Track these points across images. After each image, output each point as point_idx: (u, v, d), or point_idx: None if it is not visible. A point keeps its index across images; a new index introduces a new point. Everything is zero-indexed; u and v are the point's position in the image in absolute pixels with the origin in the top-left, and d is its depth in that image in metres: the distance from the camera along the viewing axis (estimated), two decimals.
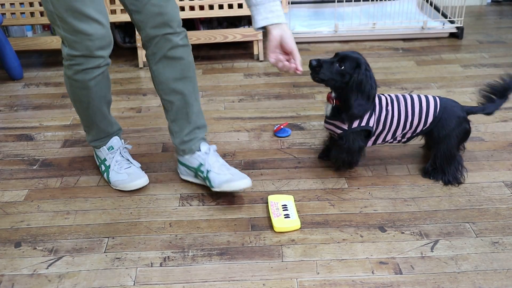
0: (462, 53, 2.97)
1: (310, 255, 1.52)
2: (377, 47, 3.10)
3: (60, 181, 1.90)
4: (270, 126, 2.23)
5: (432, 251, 1.52)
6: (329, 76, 1.69)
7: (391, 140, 1.82)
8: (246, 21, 3.10)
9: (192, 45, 2.98)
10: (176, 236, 1.61)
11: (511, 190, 1.77)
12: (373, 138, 1.79)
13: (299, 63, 1.57)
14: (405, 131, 1.79)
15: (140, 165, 1.87)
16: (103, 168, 1.87)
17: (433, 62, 2.86)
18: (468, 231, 1.59)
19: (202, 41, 2.88)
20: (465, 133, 1.81)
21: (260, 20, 1.53)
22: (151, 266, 1.49)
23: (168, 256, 1.53)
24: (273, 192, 1.79)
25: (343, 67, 1.67)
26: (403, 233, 1.59)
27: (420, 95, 1.80)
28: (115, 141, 1.86)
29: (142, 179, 1.80)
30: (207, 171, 1.73)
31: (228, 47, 3.15)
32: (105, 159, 1.86)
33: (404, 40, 3.19)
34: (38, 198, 1.81)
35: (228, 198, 1.77)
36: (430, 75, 2.69)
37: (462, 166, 1.82)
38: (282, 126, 2.17)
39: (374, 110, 1.74)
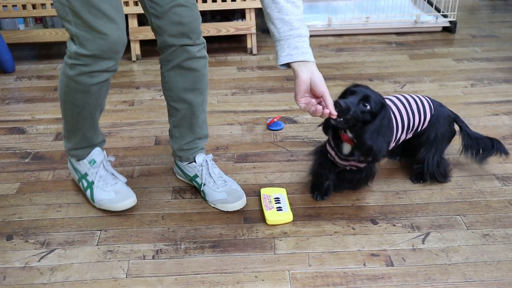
0: (455, 47, 2.98)
1: (302, 247, 1.52)
2: (370, 41, 3.10)
3: (52, 174, 1.90)
4: (263, 120, 2.23)
5: (423, 243, 1.53)
6: (355, 117, 1.49)
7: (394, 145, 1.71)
8: (239, 14, 3.10)
9: None
10: (168, 229, 1.61)
11: (502, 183, 1.78)
12: None
13: (332, 107, 1.41)
14: (409, 132, 1.71)
15: (126, 179, 1.72)
16: (85, 184, 1.70)
17: (426, 56, 2.87)
18: (459, 224, 1.60)
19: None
20: (453, 135, 1.78)
21: (283, 57, 1.37)
22: (144, 259, 1.50)
23: (160, 249, 1.53)
24: (265, 185, 1.80)
25: (368, 107, 1.50)
26: (394, 225, 1.60)
27: (411, 95, 1.75)
28: (96, 153, 1.69)
29: (130, 199, 1.66)
30: (203, 184, 1.72)
31: (222, 41, 3.14)
32: (86, 174, 1.69)
33: (397, 34, 3.19)
34: (30, 191, 1.80)
35: None
36: (423, 69, 2.69)
37: (449, 167, 1.80)
38: (275, 120, 2.17)
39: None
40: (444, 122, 1.73)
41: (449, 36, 3.15)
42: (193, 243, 1.55)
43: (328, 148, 1.67)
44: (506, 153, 1.79)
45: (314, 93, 1.41)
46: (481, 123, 2.16)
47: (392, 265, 1.45)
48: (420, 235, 1.56)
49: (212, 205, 1.69)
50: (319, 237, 1.56)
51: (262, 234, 1.58)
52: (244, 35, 3.01)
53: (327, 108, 1.41)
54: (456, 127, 1.79)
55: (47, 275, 1.45)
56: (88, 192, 1.69)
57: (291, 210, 1.65)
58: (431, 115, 1.72)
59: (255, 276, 1.42)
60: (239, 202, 1.66)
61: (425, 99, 1.74)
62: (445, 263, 1.45)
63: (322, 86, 1.39)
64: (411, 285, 1.38)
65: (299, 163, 1.92)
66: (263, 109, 2.32)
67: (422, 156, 1.75)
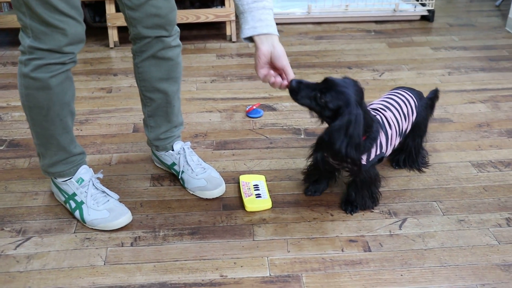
0: (433, 36, 3.00)
1: (281, 234, 1.53)
2: (349, 29, 3.11)
3: (28, 161, 1.87)
4: (242, 107, 2.22)
5: (400, 229, 1.55)
6: (308, 103, 1.43)
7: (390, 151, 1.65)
8: (218, 1, 3.07)
9: None
10: (147, 216, 1.60)
11: (477, 169, 1.81)
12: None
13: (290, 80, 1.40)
14: (401, 136, 1.65)
15: (118, 196, 1.62)
16: (73, 205, 1.57)
17: (404, 44, 2.89)
18: (436, 210, 1.62)
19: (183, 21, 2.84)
20: (430, 115, 1.79)
21: (246, 30, 1.34)
22: (122, 246, 1.49)
23: (139, 236, 1.53)
24: (244, 172, 1.80)
25: (323, 100, 1.40)
26: (372, 211, 1.62)
27: (398, 93, 1.69)
28: (83, 170, 1.57)
29: (125, 216, 1.55)
30: (181, 172, 1.71)
31: (201, 28, 3.12)
32: (74, 194, 1.57)
33: (376, 22, 3.21)
34: (5, 178, 1.78)
35: None
36: (401, 57, 2.71)
37: (426, 153, 1.84)
38: (254, 107, 2.16)
39: (384, 131, 1.55)
40: (425, 112, 1.73)
41: (427, 24, 3.18)
42: (171, 230, 1.55)
43: None
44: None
45: (275, 66, 1.38)
46: (457, 111, 2.19)
47: (370, 251, 1.47)
48: (397, 221, 1.57)
49: (191, 192, 1.69)
50: (297, 224, 1.57)
51: (241, 221, 1.58)
52: (224, 22, 2.99)
53: (286, 81, 1.40)
54: None
55: (23, 263, 1.43)
56: (77, 213, 1.57)
57: (270, 197, 1.66)
58: (417, 113, 1.69)
59: (234, 263, 1.43)
60: (218, 190, 1.66)
61: (410, 97, 1.68)
62: (421, 248, 1.47)
63: (283, 60, 1.36)
64: (388, 270, 1.40)
65: (278, 150, 1.92)
66: (242, 96, 2.32)
67: (406, 144, 1.76)
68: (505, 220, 1.58)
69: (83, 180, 1.57)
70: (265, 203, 1.63)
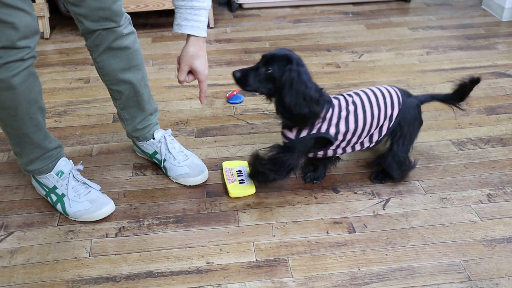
0: (410, 16, 3.01)
1: (266, 218, 1.53)
2: (327, 11, 3.10)
3: (7, 155, 1.84)
4: (223, 93, 2.21)
5: (384, 209, 1.56)
6: (257, 85, 1.46)
7: (359, 146, 1.59)
8: None
9: (141, 12, 2.92)
10: (130, 206, 1.59)
11: (457, 147, 1.83)
12: (334, 145, 1.55)
13: (203, 95, 1.48)
14: (371, 132, 1.56)
15: (100, 187, 1.60)
16: (54, 198, 1.56)
17: (382, 25, 2.89)
18: (418, 189, 1.64)
19: (151, 8, 2.81)
20: (421, 125, 1.65)
21: (174, 25, 1.39)
22: (106, 237, 1.48)
23: (123, 226, 1.52)
24: (227, 159, 1.79)
25: (270, 70, 1.44)
26: (355, 193, 1.63)
27: (379, 87, 1.60)
28: (63, 163, 1.56)
29: (109, 205, 1.54)
30: (163, 160, 1.69)
31: None
32: (55, 187, 1.55)
33: (353, 4, 3.20)
34: None
35: None
36: (380, 38, 2.71)
37: (414, 164, 1.67)
38: (234, 93, 2.15)
39: (332, 112, 1.51)
40: (412, 112, 1.59)
41: (404, 5, 3.18)
42: (156, 219, 1.54)
43: None
44: None
45: (194, 72, 1.45)
46: (437, 90, 2.20)
47: (354, 232, 1.48)
48: (380, 202, 1.59)
49: (174, 180, 1.68)
50: (282, 208, 1.57)
51: (225, 207, 1.58)
52: None
53: (201, 93, 1.47)
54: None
55: (7, 258, 1.41)
56: (59, 206, 1.55)
57: (253, 183, 1.66)
58: (399, 109, 1.56)
59: (220, 249, 1.43)
60: (201, 176, 1.65)
61: (394, 91, 1.58)
62: (405, 227, 1.49)
63: (200, 69, 1.42)
64: (373, 250, 1.41)
65: (260, 135, 1.92)
66: (222, 82, 2.30)
67: (388, 148, 1.61)
68: (486, 196, 1.60)
69: (63, 173, 1.55)
70: (249, 188, 1.63)
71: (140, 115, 1.68)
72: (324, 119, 1.50)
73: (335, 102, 1.53)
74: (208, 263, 1.39)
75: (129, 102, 1.64)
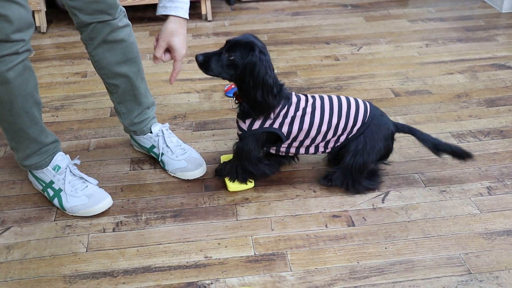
0: (410, 8, 2.99)
1: (264, 212, 1.52)
2: (326, 3, 3.08)
3: (4, 150, 1.83)
4: (221, 86, 2.20)
5: (383, 202, 1.55)
6: (219, 71, 1.44)
7: (313, 149, 1.56)
8: None
9: (138, 5, 2.90)
10: (128, 200, 1.58)
11: (457, 140, 1.82)
12: (287, 143, 1.53)
13: (174, 75, 1.47)
14: (328, 138, 1.53)
15: (97, 181, 1.58)
16: (51, 193, 1.54)
17: (381, 17, 2.87)
18: (417, 182, 1.63)
19: (148, 1, 2.79)
20: (387, 152, 1.59)
21: (159, 8, 1.40)
22: (104, 232, 1.47)
23: (121, 221, 1.51)
24: (226, 153, 1.78)
25: (232, 57, 1.42)
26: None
27: (349, 97, 1.55)
28: (59, 158, 1.54)
29: (106, 200, 1.52)
30: (161, 154, 1.68)
31: None
32: (51, 182, 1.54)
33: None
34: None
35: None
36: (379, 31, 2.70)
37: (377, 175, 1.60)
38: (232, 86, 2.14)
39: (288, 109, 1.48)
40: (378, 133, 1.52)
41: None
42: (154, 214, 1.53)
43: None
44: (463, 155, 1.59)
45: (170, 49, 1.44)
46: (436, 82, 2.19)
47: (354, 225, 1.47)
48: (379, 195, 1.58)
49: (172, 174, 1.67)
50: (280, 202, 1.56)
51: (223, 201, 1.57)
52: (198, 1, 2.94)
53: (173, 73, 1.47)
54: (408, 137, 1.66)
55: (3, 253, 1.41)
56: (56, 201, 1.54)
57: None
58: (363, 122, 1.51)
59: (218, 243, 1.42)
60: (199, 170, 1.64)
61: (364, 104, 1.54)
62: (404, 221, 1.48)
63: (178, 48, 1.42)
64: (372, 244, 1.40)
65: None
66: None
67: (342, 161, 1.54)
68: (486, 189, 1.59)
69: (59, 167, 1.53)
70: (248, 182, 1.61)
71: (137, 109, 1.66)
72: (278, 115, 1.48)
73: (294, 100, 1.51)
74: (206, 257, 1.38)
75: (126, 95, 1.63)
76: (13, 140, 1.48)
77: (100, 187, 1.58)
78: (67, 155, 1.58)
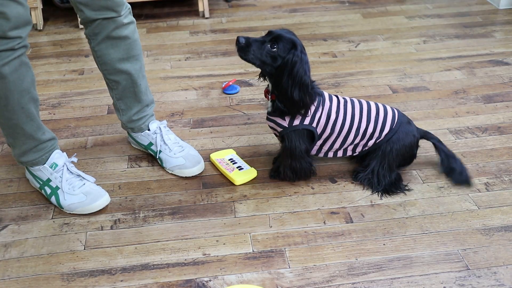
0: (407, 5, 2.98)
1: (263, 209, 1.52)
2: (323, 0, 3.07)
3: (1, 148, 1.82)
4: (218, 84, 2.19)
5: (381, 199, 1.55)
6: (259, 58, 1.42)
7: (341, 153, 1.59)
8: None
9: (135, 3, 2.89)
10: (126, 198, 1.58)
11: (455, 136, 1.82)
12: (318, 143, 1.56)
13: None
14: (356, 142, 1.55)
15: (94, 179, 1.57)
16: (49, 191, 1.54)
17: (378, 14, 2.87)
18: (415, 178, 1.63)
19: None
20: (411, 158, 1.63)
21: None
22: (102, 230, 1.46)
23: (118, 219, 1.50)
24: (224, 150, 1.77)
25: (275, 48, 1.41)
26: (353, 183, 1.61)
27: (377, 103, 1.59)
28: (57, 155, 1.54)
29: (104, 197, 1.51)
30: (159, 152, 1.68)
31: (172, 5, 3.06)
32: (49, 180, 1.53)
33: None
34: None
35: None
36: (376, 27, 2.69)
37: (400, 180, 1.60)
38: (230, 83, 2.14)
39: (322, 106, 1.50)
40: (404, 140, 1.55)
41: None
42: (152, 211, 1.52)
43: None
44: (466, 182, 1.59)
45: None
46: (434, 78, 2.19)
47: (352, 222, 1.47)
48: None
49: (170, 172, 1.66)
50: (279, 198, 1.56)
51: (221, 198, 1.57)
52: None
53: None
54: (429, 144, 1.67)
55: (1, 251, 1.40)
56: (53, 199, 1.53)
57: (251, 166, 1.64)
58: (391, 128, 1.54)
59: (217, 240, 1.42)
60: (198, 167, 1.64)
61: (392, 111, 1.57)
62: (402, 217, 1.48)
63: None
64: (370, 240, 1.40)
65: (256, 125, 1.90)
66: (217, 73, 2.28)
67: (369, 163, 1.59)
68: (483, 185, 1.59)
69: (56, 165, 1.53)
70: (251, 172, 1.63)
71: (137, 106, 1.66)
72: (315, 114, 1.50)
73: (327, 96, 1.53)
74: (205, 254, 1.37)
75: (126, 92, 1.62)
76: (10, 136, 1.48)
77: (97, 184, 1.58)
78: (64, 152, 1.57)
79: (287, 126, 1.50)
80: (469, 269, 1.31)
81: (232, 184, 1.61)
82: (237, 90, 2.13)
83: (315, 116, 1.50)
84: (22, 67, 1.37)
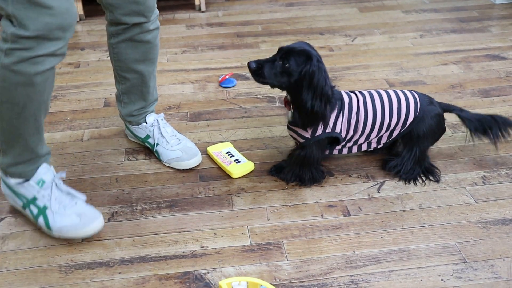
0: None
1: (260, 202, 1.52)
2: None
3: None
4: (215, 77, 2.19)
5: (378, 192, 1.55)
6: (273, 79, 1.41)
7: (365, 147, 1.59)
8: None
9: None
10: (123, 191, 1.58)
11: (452, 130, 1.82)
12: (341, 144, 1.56)
13: None
14: (380, 134, 1.55)
15: (85, 196, 1.41)
16: (35, 211, 1.37)
17: (375, 8, 2.87)
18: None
19: None
20: (441, 133, 1.62)
21: None
22: None
23: (116, 211, 1.50)
24: (221, 143, 1.77)
25: (287, 64, 1.39)
26: (350, 176, 1.61)
27: (397, 90, 1.57)
28: (43, 171, 1.36)
29: (98, 220, 1.36)
30: (156, 144, 1.67)
31: None
32: (35, 199, 1.36)
33: None
34: None
35: None
36: (373, 21, 2.69)
37: (432, 166, 1.62)
38: (227, 77, 2.13)
39: (342, 111, 1.49)
40: (430, 122, 1.55)
41: None
42: (149, 204, 1.52)
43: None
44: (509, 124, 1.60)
45: None
46: (430, 73, 2.19)
47: (349, 215, 1.47)
48: (375, 184, 1.58)
49: (167, 165, 1.66)
50: (276, 191, 1.56)
51: (219, 191, 1.56)
52: None
53: None
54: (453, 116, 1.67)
55: None
56: (41, 220, 1.36)
57: (248, 159, 1.64)
58: (415, 116, 1.54)
59: (214, 233, 1.42)
60: (195, 159, 1.64)
61: (414, 97, 1.55)
62: (400, 210, 1.48)
63: None
64: (368, 233, 1.40)
65: (253, 119, 1.90)
66: (214, 66, 2.28)
67: (397, 151, 1.62)
68: (481, 178, 1.59)
69: (44, 182, 1.35)
70: (248, 165, 1.62)
71: (140, 103, 1.67)
72: (337, 118, 1.49)
73: (346, 99, 1.51)
74: (203, 247, 1.37)
75: (133, 89, 1.63)
76: (6, 143, 1.32)
77: (94, 177, 1.57)
78: (51, 166, 1.42)
79: (309, 137, 1.49)
80: (466, 261, 1.31)
81: (230, 177, 1.61)
82: (233, 84, 2.12)
83: (336, 124, 1.49)
84: (51, 77, 1.24)
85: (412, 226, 1.42)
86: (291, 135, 1.56)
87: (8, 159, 1.34)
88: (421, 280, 1.26)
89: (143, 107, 1.67)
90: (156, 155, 1.69)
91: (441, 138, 1.75)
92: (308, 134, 1.48)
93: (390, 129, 1.55)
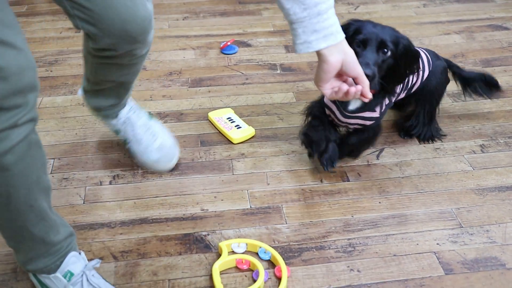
0: None
1: (260, 167, 1.53)
2: None
3: None
4: (216, 44, 2.18)
5: (377, 159, 1.56)
6: (380, 73, 1.31)
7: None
8: None
9: None
10: (124, 155, 1.59)
11: (452, 99, 1.82)
12: None
13: (367, 89, 1.15)
14: (404, 91, 1.53)
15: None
16: None
17: None
18: (412, 139, 1.64)
19: None
20: (447, 83, 1.63)
21: (299, 46, 1.06)
22: (101, 185, 1.48)
23: (117, 174, 1.51)
24: (222, 109, 1.78)
25: (388, 52, 1.30)
26: None
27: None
28: (72, 260, 1.10)
29: None
30: (128, 141, 1.51)
31: None
32: None
33: None
34: None
35: (176, 116, 1.75)
36: None
37: (438, 128, 1.65)
38: (228, 43, 2.12)
39: None
40: (440, 76, 1.57)
41: None
42: None
43: (328, 103, 1.45)
44: (495, 85, 1.68)
45: (343, 74, 1.14)
46: (433, 42, 2.18)
47: (348, 181, 1.48)
48: (374, 151, 1.59)
49: (140, 165, 1.53)
50: (276, 157, 1.57)
51: (219, 156, 1.58)
52: None
53: (362, 93, 1.16)
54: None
55: None
56: None
57: (249, 125, 1.65)
58: (429, 71, 1.55)
59: (214, 197, 1.43)
60: (172, 162, 1.51)
61: (424, 53, 1.55)
62: (398, 176, 1.50)
63: (357, 67, 1.12)
64: (366, 198, 1.42)
65: (255, 86, 1.90)
66: (216, 33, 2.27)
67: (413, 110, 1.62)
68: (479, 147, 1.61)
69: (72, 274, 1.11)
70: (249, 131, 1.63)
71: (113, 100, 1.45)
72: None
73: None
74: (203, 210, 1.39)
75: (107, 91, 1.42)
76: (12, 239, 1.08)
77: (95, 141, 1.58)
78: (83, 253, 1.15)
79: (379, 115, 1.43)
80: (462, 227, 1.33)
81: (230, 142, 1.62)
82: (235, 51, 2.12)
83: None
84: (31, 149, 0.93)
85: (410, 192, 1.44)
86: (348, 123, 1.44)
87: (21, 256, 1.11)
88: (417, 244, 1.29)
89: (116, 104, 1.47)
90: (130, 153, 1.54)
91: (441, 106, 1.75)
92: (377, 113, 1.42)
93: (408, 86, 1.52)
